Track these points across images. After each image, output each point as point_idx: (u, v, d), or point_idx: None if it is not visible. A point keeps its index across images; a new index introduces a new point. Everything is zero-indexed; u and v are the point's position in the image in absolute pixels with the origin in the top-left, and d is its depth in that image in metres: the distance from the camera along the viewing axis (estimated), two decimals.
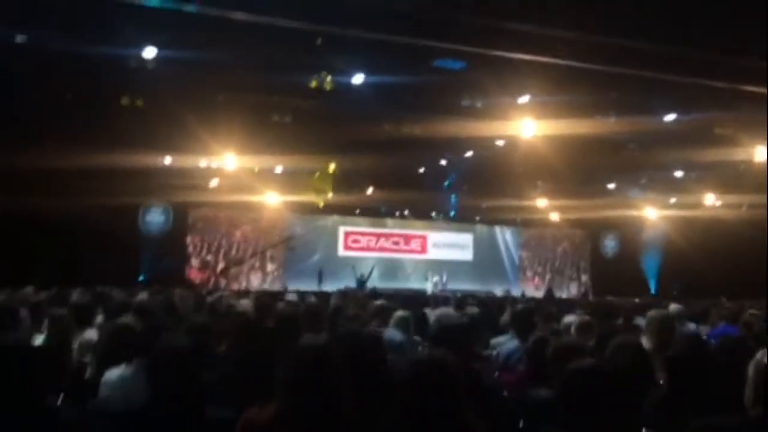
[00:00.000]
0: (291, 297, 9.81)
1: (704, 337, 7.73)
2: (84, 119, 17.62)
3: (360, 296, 9.44)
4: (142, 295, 7.74)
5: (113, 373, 3.42)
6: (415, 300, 13.12)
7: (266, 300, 6.69)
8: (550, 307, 9.87)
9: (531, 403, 3.10)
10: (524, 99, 17.30)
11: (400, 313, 5.98)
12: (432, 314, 5.20)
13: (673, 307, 8.04)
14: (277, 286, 28.38)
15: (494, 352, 4.99)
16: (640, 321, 9.06)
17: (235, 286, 27.24)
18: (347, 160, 22.87)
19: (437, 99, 18.03)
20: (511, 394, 3.75)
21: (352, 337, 3.34)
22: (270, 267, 29.97)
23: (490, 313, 11.52)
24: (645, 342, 5.09)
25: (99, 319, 7.29)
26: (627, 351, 3.65)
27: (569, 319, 6.13)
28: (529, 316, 5.12)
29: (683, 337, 3.08)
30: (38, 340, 4.93)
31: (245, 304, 7.35)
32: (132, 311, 5.68)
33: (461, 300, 10.48)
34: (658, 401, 3.03)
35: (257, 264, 29.75)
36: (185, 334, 4.05)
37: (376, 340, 3.51)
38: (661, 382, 3.17)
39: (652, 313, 5.31)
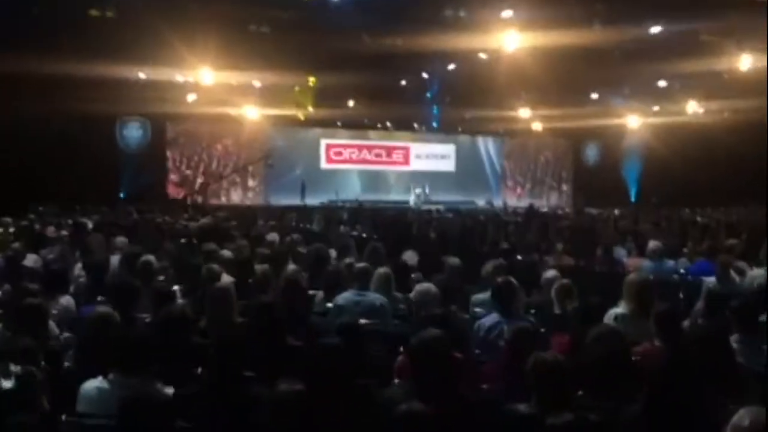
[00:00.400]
0: (271, 237, 9.62)
1: (682, 271, 7.94)
2: (52, 30, 17.07)
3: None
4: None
5: (91, 386, 3.40)
6: (397, 227, 13.03)
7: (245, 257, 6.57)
8: (530, 236, 9.88)
9: (508, 418, 3.11)
10: (508, 12, 16.84)
11: (381, 271, 6.05)
12: (414, 289, 5.15)
13: (652, 245, 8.13)
14: (259, 201, 28.38)
15: (476, 324, 4.99)
16: (620, 252, 9.25)
17: (214, 201, 27.20)
18: (328, 72, 22.42)
19: (419, 10, 17.55)
20: (489, 388, 3.79)
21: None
22: (251, 183, 29.83)
23: (470, 235, 11.68)
24: (623, 307, 5.14)
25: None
26: (606, 341, 3.71)
27: (550, 274, 6.20)
28: (509, 289, 5.09)
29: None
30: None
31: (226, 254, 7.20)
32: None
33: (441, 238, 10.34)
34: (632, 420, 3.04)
35: (238, 179, 29.58)
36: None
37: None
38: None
39: (630, 277, 5.32)
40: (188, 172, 28.75)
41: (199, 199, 26.65)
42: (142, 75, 22.25)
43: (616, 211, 22.21)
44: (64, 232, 11.09)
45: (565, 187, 35.20)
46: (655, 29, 18.08)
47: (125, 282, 5.37)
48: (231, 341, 3.40)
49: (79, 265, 7.35)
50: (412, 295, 5.10)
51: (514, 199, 32.63)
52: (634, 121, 30.77)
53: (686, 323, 5.57)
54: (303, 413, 2.71)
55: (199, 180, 28.54)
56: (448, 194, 30.64)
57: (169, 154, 28.46)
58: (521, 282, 6.82)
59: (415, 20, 18.11)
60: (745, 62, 20.50)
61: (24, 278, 6.31)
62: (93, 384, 3.41)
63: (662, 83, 25.15)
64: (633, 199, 32.30)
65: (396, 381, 3.89)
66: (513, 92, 26.13)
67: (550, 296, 5.75)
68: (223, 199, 28.53)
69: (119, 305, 4.84)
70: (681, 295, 7.43)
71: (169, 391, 3.45)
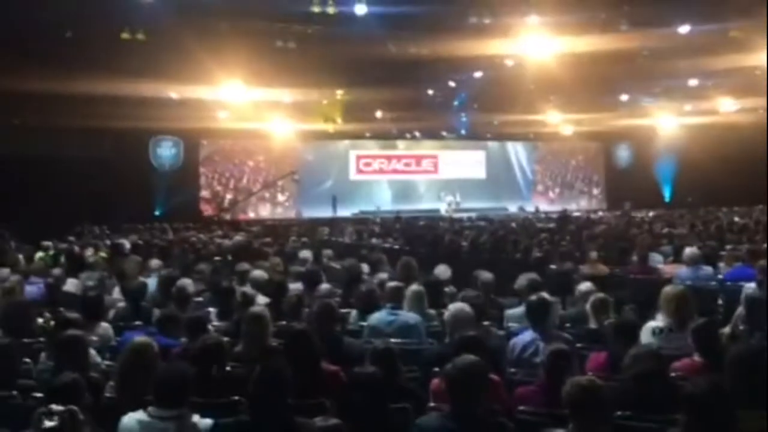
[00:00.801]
0: (304, 255, 9.64)
1: (720, 277, 7.78)
2: (85, 53, 17.40)
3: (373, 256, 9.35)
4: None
5: (131, 421, 3.45)
6: (429, 238, 13.01)
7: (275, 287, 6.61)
8: (564, 244, 9.77)
9: None
10: (533, 19, 16.73)
11: (414, 288, 6.04)
12: (448, 309, 5.14)
13: (689, 251, 7.98)
14: (291, 214, 28.57)
15: (510, 343, 4.95)
16: (655, 258, 9.10)
17: (244, 216, 27.49)
18: (355, 84, 22.49)
19: (444, 18, 17.51)
20: (525, 410, 3.76)
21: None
22: (281, 197, 29.99)
23: (503, 243, 11.60)
24: (661, 320, 5.06)
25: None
26: (645, 360, 3.66)
27: (584, 287, 6.12)
28: (543, 307, 5.04)
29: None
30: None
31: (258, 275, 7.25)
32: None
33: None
34: None
35: (267, 194, 29.81)
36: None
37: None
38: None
39: (667, 289, 5.24)
40: (219, 188, 29.09)
41: (228, 216, 26.99)
42: (173, 95, 22.55)
43: (651, 213, 21.90)
44: (103, 254, 11.28)
45: (596, 191, 34.82)
46: (684, 28, 17.79)
47: (166, 313, 5.42)
48: (269, 371, 3.41)
49: (117, 289, 7.45)
50: (446, 316, 5.07)
51: (546, 204, 32.39)
52: (665, 121, 30.34)
53: (727, 329, 5.50)
54: None
55: (229, 196, 28.85)
56: (480, 201, 30.54)
57: (202, 171, 28.80)
58: (555, 292, 6.82)
59: (440, 29, 18.07)
60: None
61: (64, 305, 6.43)
62: (133, 419, 3.45)
63: (693, 82, 24.72)
64: (667, 200, 31.83)
65: (431, 404, 3.86)
66: (541, 97, 25.91)
67: (585, 309, 5.67)
68: (252, 215, 28.79)
69: (160, 332, 4.90)
70: (720, 302, 7.29)
71: (208, 422, 3.47)
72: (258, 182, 29.64)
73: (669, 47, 19.33)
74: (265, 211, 29.57)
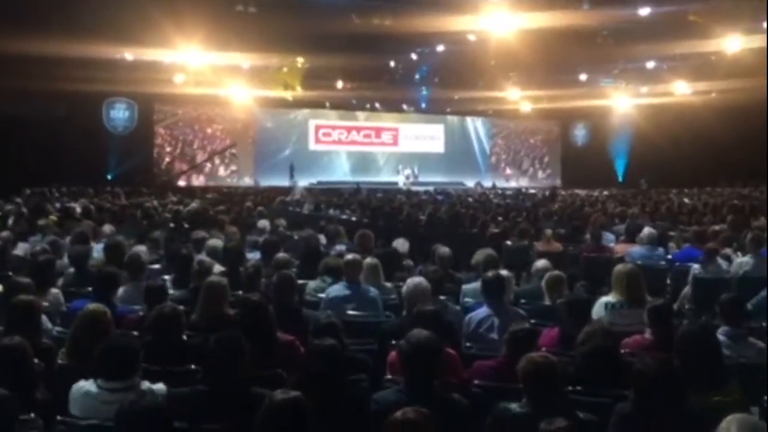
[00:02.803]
0: (262, 224, 9.57)
1: (669, 257, 7.99)
2: (36, 9, 16.81)
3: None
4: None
5: (80, 390, 3.39)
6: (387, 211, 13.03)
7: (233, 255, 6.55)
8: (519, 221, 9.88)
9: (499, 417, 3.14)
10: None
11: (369, 261, 6.06)
12: (405, 283, 5.17)
13: (647, 231, 8.16)
14: (248, 182, 28.31)
15: (466, 318, 5.01)
16: (608, 237, 9.29)
17: (197, 183, 27.21)
18: (316, 53, 22.24)
19: None
20: (481, 384, 3.82)
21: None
22: (233, 167, 29.60)
23: (460, 218, 11.68)
24: (613, 296, 5.17)
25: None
26: (597, 337, 3.76)
27: (540, 264, 6.20)
28: (499, 283, 5.10)
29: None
30: None
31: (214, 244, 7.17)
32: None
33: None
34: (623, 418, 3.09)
35: (218, 161, 29.43)
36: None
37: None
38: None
39: (618, 268, 5.36)
40: (174, 153, 28.63)
41: (182, 182, 26.70)
42: (128, 55, 21.98)
43: (605, 193, 22.30)
44: (53, 218, 11.00)
45: (553, 169, 35.27)
46: (644, 10, 18.02)
47: (104, 271, 5.34)
48: (225, 340, 3.39)
49: (67, 254, 7.29)
50: (403, 289, 5.10)
51: (503, 180, 32.69)
52: (622, 102, 30.80)
53: (674, 307, 5.67)
54: (298, 421, 2.71)
55: (179, 165, 28.47)
56: (437, 175, 30.71)
57: (157, 135, 28.25)
58: (511, 268, 6.93)
59: (404, 1, 17.99)
60: (732, 43, 20.53)
61: (13, 269, 6.27)
62: (82, 388, 3.39)
63: (651, 64, 25.14)
64: (621, 179, 32.44)
65: (388, 376, 3.90)
66: (502, 73, 26.07)
67: (540, 285, 5.76)
68: (212, 182, 28.42)
69: (100, 296, 4.83)
70: (668, 282, 7.49)
71: (161, 389, 3.45)
72: (211, 149, 29.29)
73: (629, 28, 19.61)
74: (226, 177, 29.19)
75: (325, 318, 4.27)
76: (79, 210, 12.28)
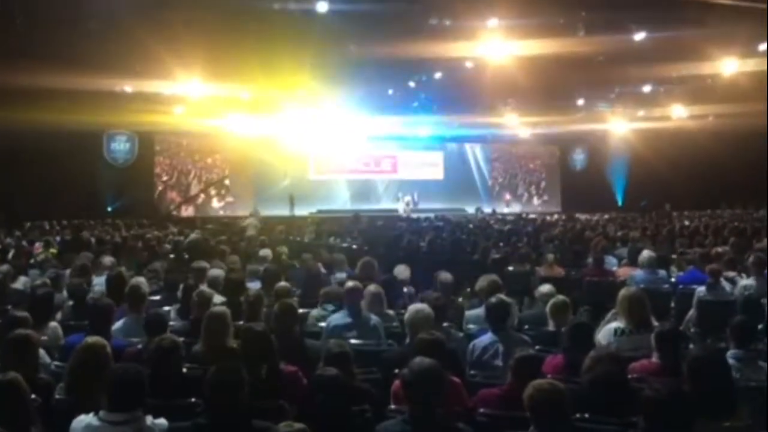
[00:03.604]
0: (264, 253, 9.55)
1: (673, 280, 7.94)
2: (37, 43, 16.91)
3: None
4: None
5: (80, 424, 3.33)
6: (388, 238, 13.03)
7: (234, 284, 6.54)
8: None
9: None
10: (493, 22, 16.88)
11: (371, 289, 6.03)
12: (407, 310, 5.13)
13: (645, 254, 8.12)
14: (248, 212, 28.23)
15: (470, 345, 4.96)
16: (610, 261, 9.26)
17: (200, 214, 27.26)
18: (315, 83, 22.36)
19: (405, 20, 17.52)
20: (486, 413, 3.76)
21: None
22: (230, 197, 29.61)
23: (461, 244, 11.66)
24: (619, 323, 5.12)
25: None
26: (604, 363, 3.71)
27: (545, 289, 6.17)
28: (503, 309, 5.06)
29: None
30: None
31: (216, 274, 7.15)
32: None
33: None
34: None
35: (213, 191, 29.48)
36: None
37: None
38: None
39: (623, 292, 5.33)
40: (168, 183, 28.72)
41: (180, 212, 26.74)
42: (128, 88, 22.11)
43: (605, 216, 22.30)
44: (53, 251, 10.99)
45: (552, 193, 35.29)
46: (639, 35, 18.14)
47: (99, 303, 5.31)
48: (224, 372, 3.33)
49: (66, 287, 7.25)
50: (405, 317, 5.05)
51: (503, 206, 32.70)
52: (619, 126, 30.91)
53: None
54: None
55: (171, 195, 28.53)
56: (437, 202, 30.70)
57: (157, 167, 28.33)
58: (513, 294, 6.88)
59: (401, 29, 18.09)
60: (729, 66, 20.64)
61: (12, 303, 6.22)
62: (83, 422, 3.33)
63: (647, 88, 25.28)
64: (620, 203, 32.45)
65: (392, 407, 3.84)
66: (500, 99, 26.20)
67: (544, 311, 5.72)
68: (210, 212, 28.45)
69: (95, 329, 4.78)
70: (672, 305, 7.44)
71: (163, 424, 3.38)
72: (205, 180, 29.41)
73: (624, 53, 19.69)
74: (224, 208, 29.22)
75: (336, 347, 4.23)
76: (79, 242, 12.26)
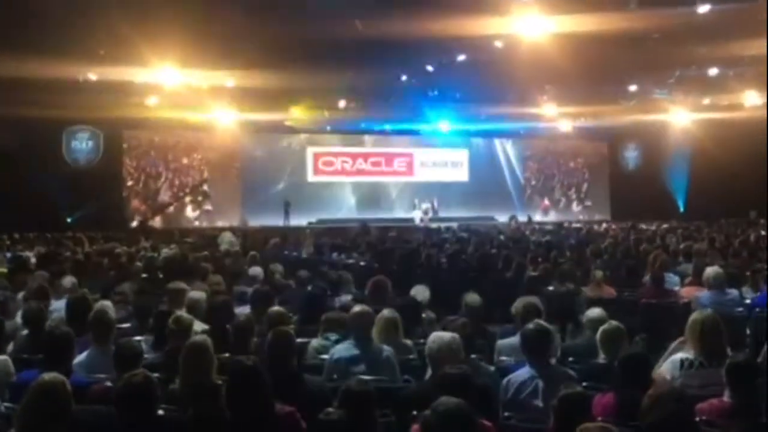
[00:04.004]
0: (254, 272, 9.60)
1: (747, 301, 7.89)
2: None
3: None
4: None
5: None
6: (402, 253, 13.04)
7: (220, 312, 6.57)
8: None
9: None
10: None
11: (386, 315, 6.01)
12: (427, 340, 5.14)
13: (711, 271, 8.07)
14: (234, 222, 28.35)
15: (504, 381, 4.95)
16: (671, 279, 9.22)
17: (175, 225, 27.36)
18: (314, 68, 22.39)
19: None
20: None
21: None
22: (209, 205, 29.75)
23: (491, 260, 11.66)
24: (688, 353, 5.08)
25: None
26: (667, 403, 3.68)
27: (594, 313, 6.14)
28: (543, 337, 5.05)
29: None
30: None
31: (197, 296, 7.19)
32: None
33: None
34: None
35: (189, 199, 29.66)
36: None
37: None
38: None
39: (695, 316, 5.29)
40: (134, 189, 28.89)
41: (154, 224, 26.83)
42: (92, 76, 22.22)
43: (664, 226, 22.19)
44: (2, 269, 11.05)
45: (598, 198, 35.21)
46: (704, 7, 18.08)
47: (56, 333, 5.33)
48: (204, 417, 3.33)
49: (20, 313, 7.28)
50: (426, 347, 5.04)
51: (540, 214, 32.68)
52: (680, 117, 30.79)
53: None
54: None
55: (135, 203, 28.67)
56: (461, 209, 30.75)
57: (125, 169, 28.50)
58: (555, 318, 6.85)
59: (416, 4, 18.14)
60: None
61: None
62: None
63: (713, 70, 25.15)
64: (682, 209, 32.31)
65: None
66: (536, 86, 26.14)
67: (592, 339, 5.70)
68: (195, 222, 28.58)
69: (52, 363, 4.79)
70: (747, 332, 7.38)
71: None
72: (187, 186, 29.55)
73: (685, 29, 19.62)
74: (207, 219, 29.35)
75: (357, 384, 4.23)
76: (34, 260, 12.32)
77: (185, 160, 29.51)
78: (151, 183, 29.22)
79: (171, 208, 29.36)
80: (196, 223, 28.95)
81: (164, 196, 29.42)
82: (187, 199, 29.56)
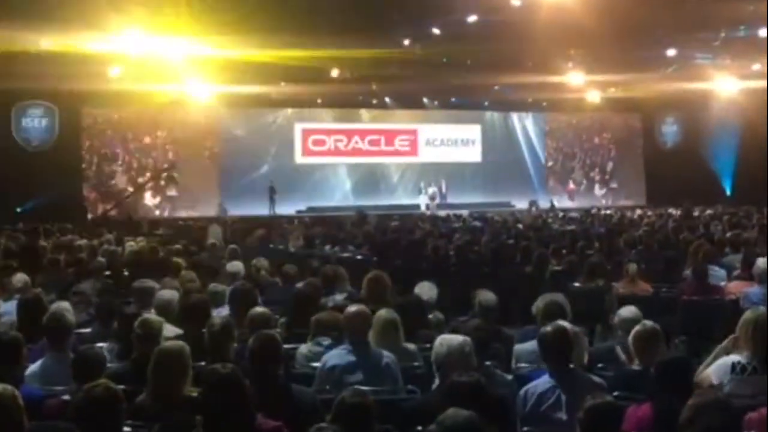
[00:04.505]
0: (233, 268, 9.61)
1: None
2: None
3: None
4: None
5: None
6: (405, 245, 13.09)
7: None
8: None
9: None
10: None
11: (383, 315, 6.04)
12: (435, 344, 5.16)
13: (761, 263, 8.09)
14: (211, 212, 28.38)
15: (522, 391, 4.96)
16: (717, 273, 9.22)
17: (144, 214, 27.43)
18: (302, 32, 22.36)
19: None
20: None
21: None
22: (173, 191, 29.79)
23: (507, 253, 11.69)
24: (738, 356, 5.09)
25: None
26: (711, 413, 3.69)
27: (628, 312, 6.15)
28: (564, 340, 5.06)
29: None
30: None
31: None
32: None
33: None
34: None
35: (162, 183, 29.70)
36: None
37: None
38: None
39: (747, 314, 5.27)
40: (98, 176, 28.90)
41: (115, 213, 26.87)
42: (46, 43, 22.19)
43: (708, 212, 22.20)
44: None
45: (633, 180, 35.22)
46: None
47: (4, 339, 5.35)
48: None
49: None
50: (433, 352, 5.06)
51: (564, 199, 32.71)
52: (727, 86, 30.73)
53: None
54: None
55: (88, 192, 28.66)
56: (474, 194, 30.82)
57: (85, 150, 28.50)
58: (582, 319, 6.88)
59: None
60: None
61: None
62: None
63: (764, 31, 25.10)
64: (729, 192, 32.30)
65: None
66: (558, 51, 26.09)
67: (625, 342, 5.72)
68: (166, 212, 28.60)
69: (1, 373, 4.79)
70: None
71: None
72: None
73: None
74: (165, 209, 29.40)
75: (351, 395, 4.25)
76: None
77: (147, 140, 29.47)
78: (105, 166, 29.19)
79: (127, 194, 29.20)
80: (157, 213, 28.97)
81: (119, 181, 29.30)
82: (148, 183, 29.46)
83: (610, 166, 35.54)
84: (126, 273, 10.43)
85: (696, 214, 21.72)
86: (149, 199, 29.68)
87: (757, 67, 28.76)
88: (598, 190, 35.24)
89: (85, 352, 5.32)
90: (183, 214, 28.06)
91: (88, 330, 7.00)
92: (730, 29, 25.28)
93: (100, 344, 6.28)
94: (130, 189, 29.36)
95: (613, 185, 35.36)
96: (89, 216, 26.91)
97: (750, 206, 24.34)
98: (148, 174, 29.62)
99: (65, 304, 6.96)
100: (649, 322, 5.70)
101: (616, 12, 20.36)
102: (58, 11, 18.92)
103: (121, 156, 29.38)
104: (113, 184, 29.33)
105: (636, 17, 21.65)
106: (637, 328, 5.62)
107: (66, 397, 4.81)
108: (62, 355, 5.58)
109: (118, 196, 29.08)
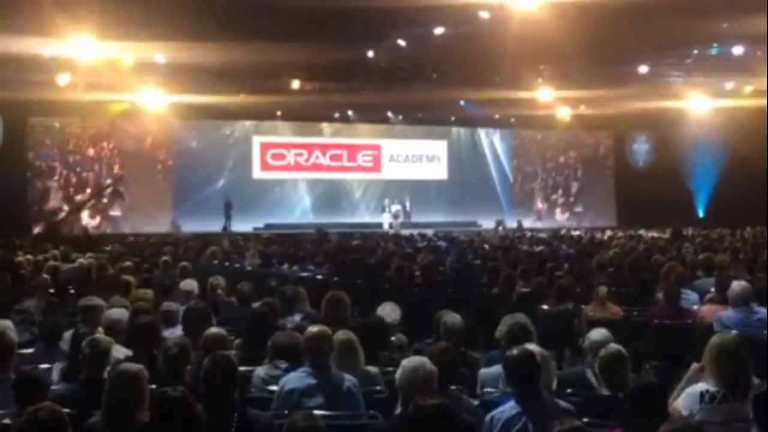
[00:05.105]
0: (186, 286, 9.56)
1: None
2: None
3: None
4: None
5: None
6: (367, 265, 13.11)
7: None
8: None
9: None
10: None
11: (341, 337, 6.05)
12: (398, 367, 5.17)
13: (736, 287, 8.17)
14: (164, 228, 28.19)
15: (487, 417, 4.97)
16: (689, 296, 9.32)
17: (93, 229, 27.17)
18: (262, 41, 22.36)
19: None
20: None
21: None
22: (117, 210, 29.50)
23: (472, 274, 11.72)
24: (708, 384, 5.13)
25: None
26: None
27: (597, 335, 6.18)
28: (530, 365, 5.08)
29: None
30: None
31: None
32: None
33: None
34: None
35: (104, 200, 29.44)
36: None
37: None
38: None
39: (714, 340, 5.28)
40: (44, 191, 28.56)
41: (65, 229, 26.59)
42: None
43: (682, 233, 22.44)
44: None
45: (603, 201, 35.47)
46: None
47: None
48: None
49: None
50: (396, 376, 5.06)
51: (532, 219, 32.90)
52: (700, 104, 31.10)
53: None
54: None
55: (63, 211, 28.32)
56: (439, 213, 30.92)
57: (30, 162, 28.23)
58: (550, 342, 6.91)
59: None
60: None
61: None
62: None
63: (738, 49, 25.46)
64: (702, 214, 32.63)
65: None
66: (528, 66, 26.29)
67: (594, 366, 5.76)
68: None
69: None
70: None
71: None
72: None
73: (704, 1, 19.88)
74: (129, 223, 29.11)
75: (302, 419, 4.24)
76: None
77: (90, 152, 29.17)
78: (36, 183, 28.74)
79: (61, 215, 28.60)
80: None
81: (54, 199, 28.79)
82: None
83: (575, 187, 35.74)
84: (72, 290, 10.32)
85: (667, 236, 21.94)
86: (87, 219, 29.02)
87: (730, 85, 29.16)
88: (560, 215, 35.41)
89: (28, 373, 5.26)
90: (127, 230, 27.62)
91: (31, 350, 6.94)
92: (703, 46, 25.64)
93: (44, 365, 6.26)
94: (66, 208, 28.81)
95: (578, 209, 35.52)
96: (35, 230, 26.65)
97: (722, 229, 24.63)
98: (88, 191, 29.15)
99: (7, 323, 6.89)
100: (614, 345, 5.76)
101: (588, 27, 20.55)
102: (4, 14, 18.79)
103: (58, 171, 28.93)
104: (46, 203, 28.72)
105: (608, 33, 21.86)
106: (601, 352, 5.67)
107: (6, 420, 4.77)
108: (3, 375, 5.52)
109: (51, 216, 28.48)
